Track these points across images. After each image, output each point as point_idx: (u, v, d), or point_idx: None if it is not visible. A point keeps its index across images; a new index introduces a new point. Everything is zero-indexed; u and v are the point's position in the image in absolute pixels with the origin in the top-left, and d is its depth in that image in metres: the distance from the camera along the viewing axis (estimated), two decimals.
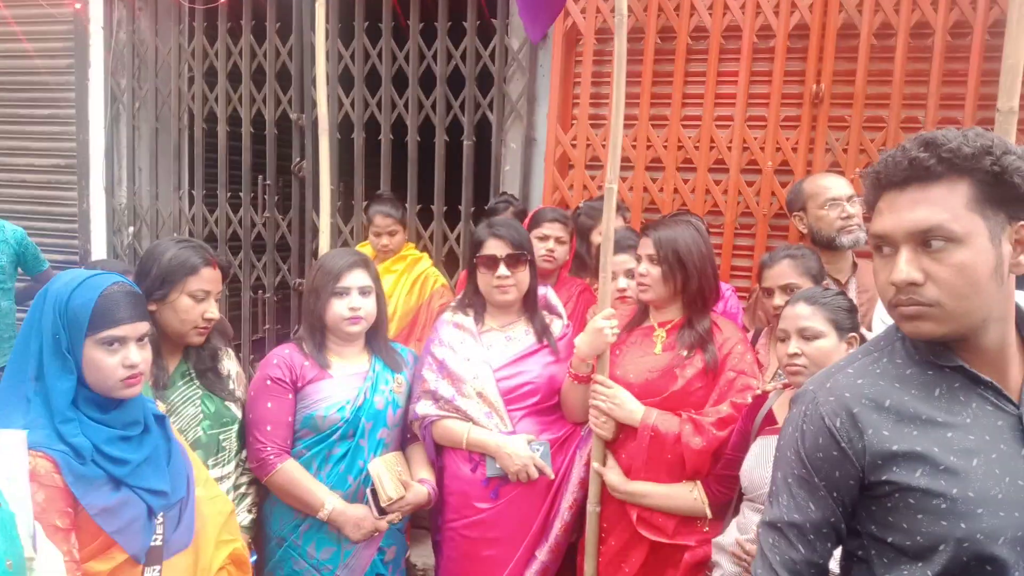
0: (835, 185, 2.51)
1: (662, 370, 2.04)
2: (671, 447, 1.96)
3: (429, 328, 3.10)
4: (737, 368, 2.01)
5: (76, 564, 1.35)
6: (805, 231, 2.56)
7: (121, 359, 1.44)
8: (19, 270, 3.67)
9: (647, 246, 2.06)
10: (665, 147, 3.21)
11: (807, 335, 1.78)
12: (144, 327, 1.49)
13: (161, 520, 1.48)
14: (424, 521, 2.36)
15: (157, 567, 1.45)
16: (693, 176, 3.19)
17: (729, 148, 3.12)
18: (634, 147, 3.23)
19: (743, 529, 1.79)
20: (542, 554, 2.13)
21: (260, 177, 3.98)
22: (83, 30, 4.11)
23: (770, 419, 1.86)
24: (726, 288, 2.63)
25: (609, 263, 2.08)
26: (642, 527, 2.00)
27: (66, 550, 1.33)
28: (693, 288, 2.04)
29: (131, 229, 4.21)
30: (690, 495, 1.97)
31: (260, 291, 4.07)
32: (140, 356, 1.46)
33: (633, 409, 2.01)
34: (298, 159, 3.89)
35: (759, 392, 1.96)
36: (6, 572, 1.08)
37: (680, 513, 1.98)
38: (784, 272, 2.16)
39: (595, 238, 2.78)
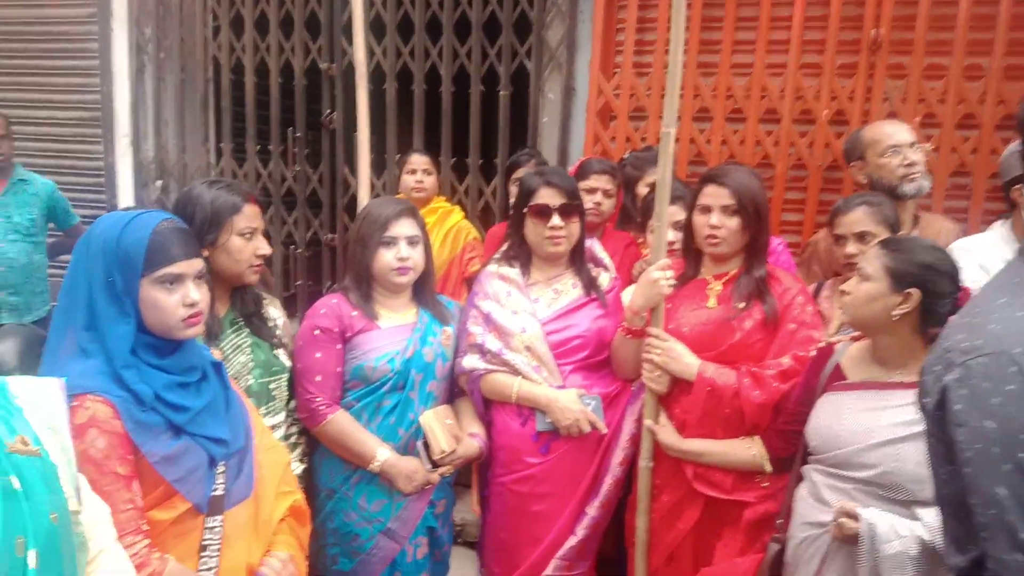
0: (897, 131, 2.42)
1: (717, 323, 1.97)
2: (729, 401, 1.90)
3: (460, 282, 3.06)
4: (798, 319, 1.93)
5: (139, 511, 1.31)
6: (864, 181, 2.46)
7: (180, 297, 1.38)
8: (50, 224, 3.64)
9: (721, 196, 1.94)
10: (714, 96, 3.08)
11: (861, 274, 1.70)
12: (200, 264, 1.43)
13: (222, 469, 1.44)
14: (462, 478, 2.33)
15: (219, 517, 1.41)
16: (742, 127, 3.08)
17: (782, 97, 2.99)
18: (680, 96, 3.09)
19: (815, 497, 1.72)
20: (592, 509, 2.09)
21: (289, 129, 3.89)
22: None
23: (837, 374, 1.78)
24: (777, 242, 2.54)
25: (665, 211, 1.99)
26: (698, 483, 1.96)
27: (128, 497, 1.29)
28: (762, 239, 1.96)
29: (159, 183, 4.14)
30: (748, 451, 1.91)
31: (291, 247, 4.02)
32: (199, 294, 1.41)
33: (689, 363, 1.94)
34: (328, 110, 3.79)
35: (823, 345, 1.89)
36: (51, 525, 1.04)
37: (738, 468, 1.92)
38: (859, 219, 2.08)
39: (641, 190, 2.69)
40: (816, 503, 1.72)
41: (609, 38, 3.26)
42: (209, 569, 1.39)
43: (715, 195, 1.96)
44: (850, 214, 2.13)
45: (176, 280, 1.38)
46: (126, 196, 4.23)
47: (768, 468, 1.90)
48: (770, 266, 2.03)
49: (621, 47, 3.23)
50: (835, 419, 1.70)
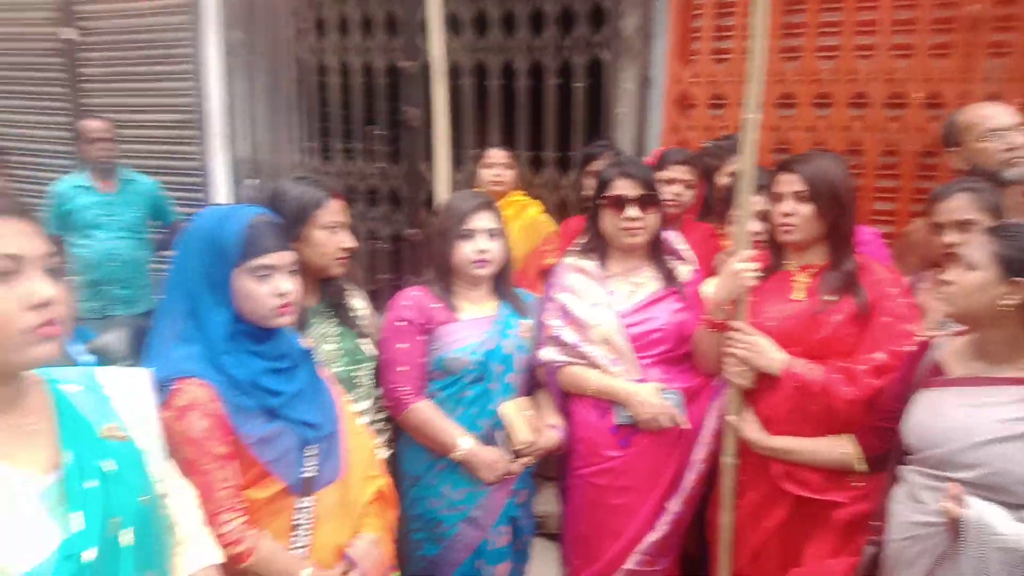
0: (997, 114, 2.28)
1: (805, 317, 1.90)
2: (817, 397, 1.84)
3: (537, 276, 3.07)
4: (893, 312, 1.85)
5: (236, 490, 1.39)
6: (964, 167, 2.33)
7: (272, 288, 1.44)
8: (154, 222, 3.87)
9: (792, 182, 1.90)
10: (798, 81, 2.98)
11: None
12: (291, 256, 1.50)
13: (313, 452, 1.50)
14: (544, 470, 2.34)
15: (310, 498, 1.48)
16: (830, 112, 2.96)
17: (871, 80, 2.86)
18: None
19: (913, 498, 1.64)
20: (674, 505, 2.06)
21: (372, 127, 3.99)
22: None
23: (937, 370, 1.69)
24: (869, 232, 2.44)
25: (747, 200, 1.94)
26: (786, 482, 1.90)
27: (226, 476, 1.37)
28: (844, 227, 1.89)
29: (251, 181, 4.33)
30: (839, 449, 1.84)
31: (375, 241, 4.13)
32: (290, 285, 1.47)
33: (775, 357, 1.89)
34: (408, 108, 3.87)
35: (922, 339, 1.81)
36: (142, 507, 1.10)
37: (828, 467, 1.86)
38: (961, 206, 1.97)
39: (721, 180, 2.63)
40: (914, 504, 1.64)
41: (686, 25, 3.19)
42: (301, 547, 1.45)
43: (787, 182, 1.92)
44: (950, 201, 2.01)
45: (268, 271, 1.45)
46: (221, 194, 4.44)
47: (861, 467, 1.83)
48: (862, 257, 1.96)
49: (698, 33, 3.16)
50: (934, 416, 1.62)
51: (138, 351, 1.68)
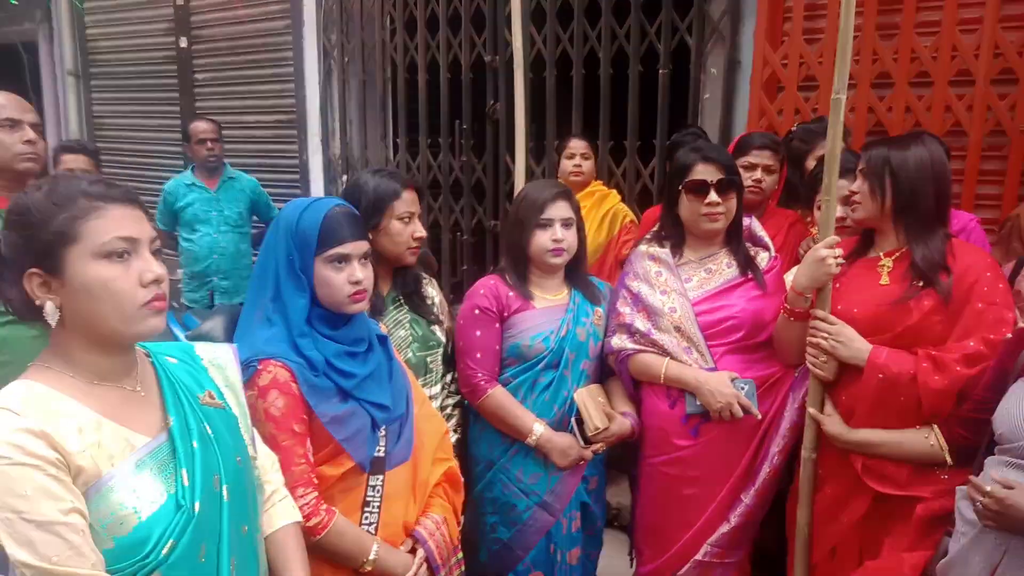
0: None
1: (892, 303, 1.81)
2: (904, 388, 1.75)
3: (615, 265, 3.06)
4: (987, 298, 1.73)
5: (311, 466, 1.47)
6: None
7: (347, 275, 1.52)
8: (254, 217, 4.11)
9: (860, 161, 1.89)
10: (895, 59, 2.82)
11: None
12: (365, 246, 1.57)
13: (384, 433, 1.57)
14: (616, 461, 2.34)
15: (380, 476, 1.55)
16: (929, 91, 2.79)
17: (976, 56, 2.68)
18: (857, 61, 2.88)
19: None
20: (748, 497, 2.01)
21: (457, 122, 4.08)
22: None
23: None
24: (968, 219, 2.29)
25: (834, 184, 1.87)
26: (869, 477, 1.82)
27: (302, 452, 1.46)
28: (920, 210, 1.80)
29: (344, 177, 4.52)
30: (926, 441, 1.74)
31: (458, 233, 4.22)
32: (363, 273, 1.54)
33: (860, 348, 1.81)
34: (492, 101, 3.93)
35: (1021, 325, 1.69)
36: (237, 466, 1.21)
37: (914, 461, 1.77)
38: None
39: (810, 164, 2.54)
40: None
41: (776, 5, 3.08)
42: (370, 524, 1.53)
43: (856, 163, 1.93)
44: None
45: (344, 260, 1.53)
46: (318, 190, 4.67)
47: (949, 460, 1.73)
48: (954, 240, 1.85)
49: (789, 14, 3.05)
50: None
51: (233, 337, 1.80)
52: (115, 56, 5.48)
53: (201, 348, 1.34)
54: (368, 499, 1.53)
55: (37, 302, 1.08)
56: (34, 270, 1.06)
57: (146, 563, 1.03)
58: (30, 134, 2.08)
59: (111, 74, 5.54)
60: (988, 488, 1.45)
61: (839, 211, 2.14)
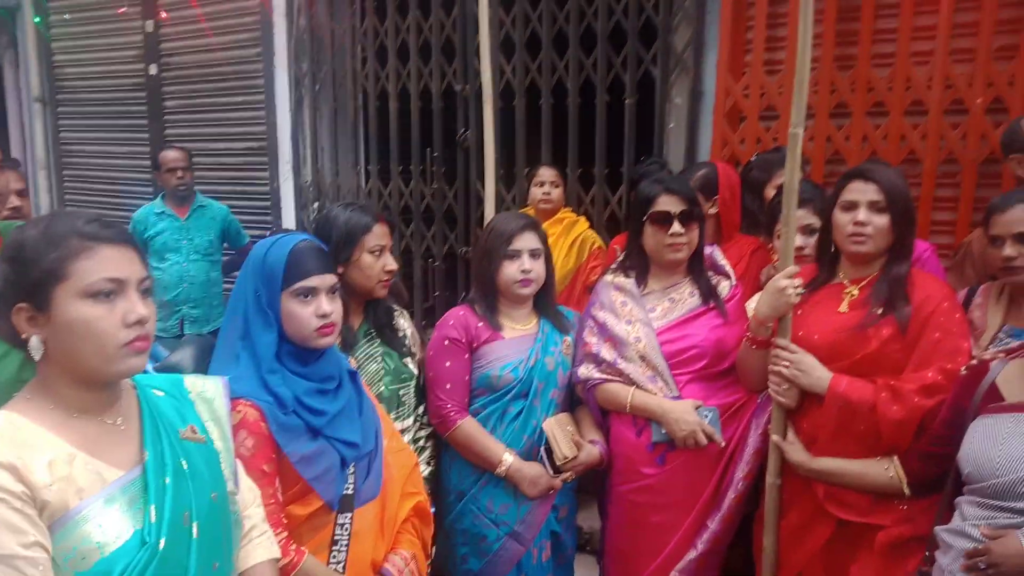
0: None
1: (851, 330, 1.85)
2: (864, 417, 1.79)
3: (584, 292, 3.10)
4: (944, 328, 1.78)
5: (280, 506, 1.47)
6: None
7: (314, 309, 1.53)
8: (225, 244, 4.09)
9: (868, 192, 1.84)
10: (852, 90, 2.92)
11: None
12: (332, 279, 1.58)
13: (353, 470, 1.57)
14: (589, 485, 2.36)
15: (349, 514, 1.55)
16: (885, 120, 2.88)
17: (929, 87, 2.77)
18: (815, 92, 2.97)
19: (967, 535, 1.56)
20: (714, 523, 2.04)
21: (428, 149, 4.12)
22: (268, 19, 4.43)
23: (993, 394, 1.62)
24: (923, 248, 2.36)
25: (793, 215, 1.92)
26: (831, 505, 1.85)
27: (271, 492, 1.45)
28: (909, 240, 1.85)
29: (315, 205, 4.52)
30: (885, 473, 1.78)
31: (430, 260, 4.24)
32: (331, 307, 1.55)
33: (821, 376, 1.85)
34: (463, 130, 3.97)
35: (975, 361, 1.74)
36: (212, 503, 1.20)
37: (874, 491, 1.81)
38: (1020, 218, 1.86)
39: (769, 193, 2.60)
40: (968, 539, 1.57)
41: (738, 37, 3.17)
42: (338, 563, 1.52)
43: (862, 191, 1.86)
44: (1009, 212, 1.89)
45: (311, 293, 1.54)
46: (289, 217, 4.66)
47: (907, 492, 1.77)
48: (913, 270, 1.90)
49: (750, 46, 3.14)
50: (991, 444, 1.54)
51: (204, 368, 1.80)
52: (83, 83, 5.43)
53: (190, 381, 1.35)
54: (336, 537, 1.53)
55: (23, 336, 1.09)
56: (22, 305, 1.08)
57: None
58: None
59: (79, 100, 5.49)
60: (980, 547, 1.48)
61: (798, 240, 2.20)
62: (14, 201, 2.60)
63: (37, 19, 5.38)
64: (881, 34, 2.89)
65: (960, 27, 2.75)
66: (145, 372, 2.03)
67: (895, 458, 1.79)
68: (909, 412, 1.74)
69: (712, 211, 2.61)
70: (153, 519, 1.10)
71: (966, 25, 2.73)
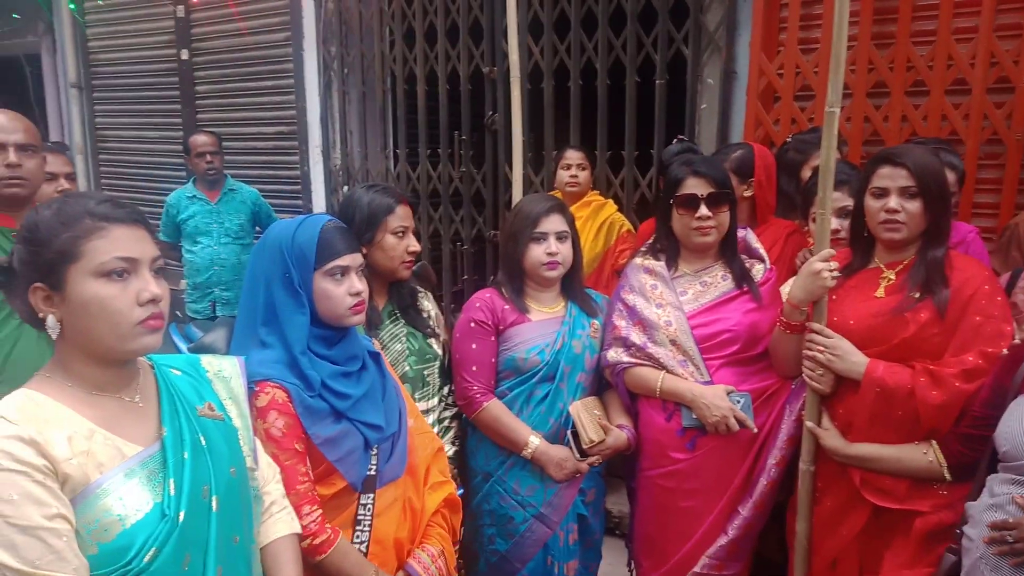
0: None
1: (888, 315, 1.81)
2: (902, 402, 1.75)
3: (612, 275, 3.07)
4: (985, 311, 1.73)
5: (313, 484, 1.48)
6: None
7: (347, 287, 1.54)
8: (256, 228, 4.13)
9: (898, 177, 1.79)
10: (891, 68, 2.83)
11: None
12: (360, 258, 1.59)
13: (375, 452, 1.58)
14: (618, 469, 2.34)
15: (371, 495, 1.56)
16: (925, 100, 2.79)
17: (972, 65, 2.68)
18: (852, 71, 2.88)
19: (1002, 509, 1.53)
20: (745, 510, 2.01)
21: (456, 133, 4.10)
22: (297, 3, 4.44)
23: None
24: (967, 230, 2.30)
25: (829, 197, 1.87)
26: (867, 491, 1.82)
27: (304, 471, 1.47)
28: (944, 223, 1.80)
29: (345, 188, 4.54)
30: (924, 457, 1.74)
31: (458, 243, 4.23)
32: (361, 284, 1.57)
33: (856, 361, 1.81)
34: (490, 112, 3.95)
35: (1018, 341, 1.68)
36: (230, 477, 1.22)
37: (912, 476, 1.77)
38: None
39: (806, 174, 2.54)
40: (1001, 514, 1.54)
41: (772, 15, 3.09)
42: (361, 542, 1.54)
43: (892, 176, 1.80)
44: None
45: (343, 272, 1.54)
46: (319, 201, 4.69)
47: (947, 476, 1.73)
48: (952, 252, 1.85)
49: (785, 24, 3.06)
50: None
51: None
52: (117, 68, 5.51)
53: (207, 360, 1.37)
54: (359, 517, 1.54)
55: (40, 315, 1.12)
56: (38, 285, 1.11)
57: (128, 569, 1.05)
58: (12, 158, 2.01)
59: (113, 86, 5.57)
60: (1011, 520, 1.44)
61: (834, 223, 2.15)
62: (64, 184, 2.65)
63: (72, 6, 5.46)
64: (921, 10, 2.79)
65: (1005, 1, 2.64)
66: (179, 352, 2.06)
67: (933, 442, 1.75)
68: (950, 397, 1.70)
69: (747, 193, 2.55)
70: (172, 492, 1.12)
71: None
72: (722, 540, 2.01)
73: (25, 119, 2.12)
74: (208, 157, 3.91)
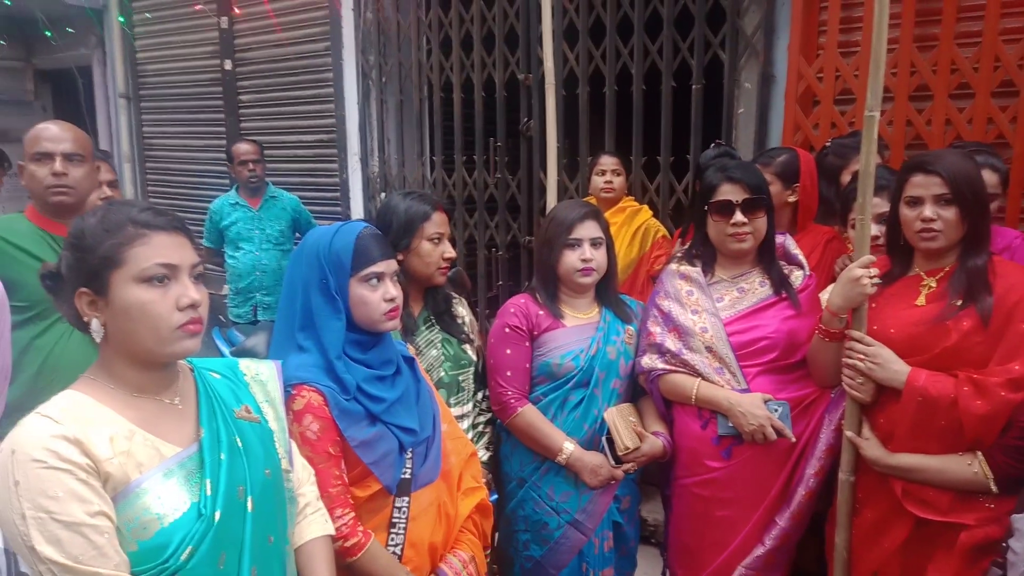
0: None
1: (930, 323, 1.77)
2: (945, 412, 1.70)
3: (647, 281, 3.05)
4: None
5: (346, 487, 1.51)
6: None
7: (382, 293, 1.57)
8: (296, 234, 4.21)
9: (932, 185, 1.75)
10: (934, 71, 2.77)
11: None
12: (395, 265, 1.62)
13: (410, 455, 1.59)
14: (653, 477, 2.33)
15: (406, 498, 1.57)
16: (970, 103, 2.73)
17: (1020, 66, 2.61)
18: (894, 74, 2.83)
19: None
20: (783, 520, 1.98)
21: (491, 139, 4.13)
22: (336, 13, 4.52)
23: None
24: (1014, 236, 2.23)
25: (869, 202, 1.84)
26: (909, 502, 1.77)
27: (338, 474, 1.50)
28: (983, 229, 1.75)
29: (382, 195, 4.60)
30: (969, 469, 1.69)
31: (493, 249, 4.26)
32: (396, 291, 1.59)
33: (898, 370, 1.76)
34: (526, 119, 3.97)
35: None
36: (265, 479, 1.25)
37: (957, 488, 1.72)
38: None
39: (845, 179, 2.51)
40: None
41: (811, 18, 3.05)
42: (396, 545, 1.55)
43: (925, 185, 1.76)
44: None
45: (379, 278, 1.57)
46: (357, 207, 4.76)
47: (993, 489, 1.69)
48: (996, 259, 1.80)
49: (824, 27, 3.02)
50: None
51: None
52: (164, 79, 5.68)
53: (245, 364, 1.41)
54: (394, 520, 1.56)
55: (84, 319, 1.16)
56: (84, 290, 1.15)
57: (166, 567, 1.09)
58: (57, 167, 2.07)
59: (160, 96, 5.75)
60: None
61: (873, 229, 2.11)
62: (106, 191, 2.73)
63: (121, 19, 5.64)
64: (966, 11, 2.73)
65: None
66: (222, 356, 2.11)
67: (979, 453, 1.70)
68: (995, 407, 1.65)
69: (792, 199, 2.52)
70: (209, 492, 1.15)
71: None
72: (759, 551, 1.98)
73: (76, 129, 2.20)
74: (250, 165, 4.00)
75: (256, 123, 5.13)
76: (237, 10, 4.96)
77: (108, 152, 5.44)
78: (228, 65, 5.19)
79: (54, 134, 2.12)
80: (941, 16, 2.75)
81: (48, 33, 5.81)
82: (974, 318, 1.72)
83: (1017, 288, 1.72)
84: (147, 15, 5.58)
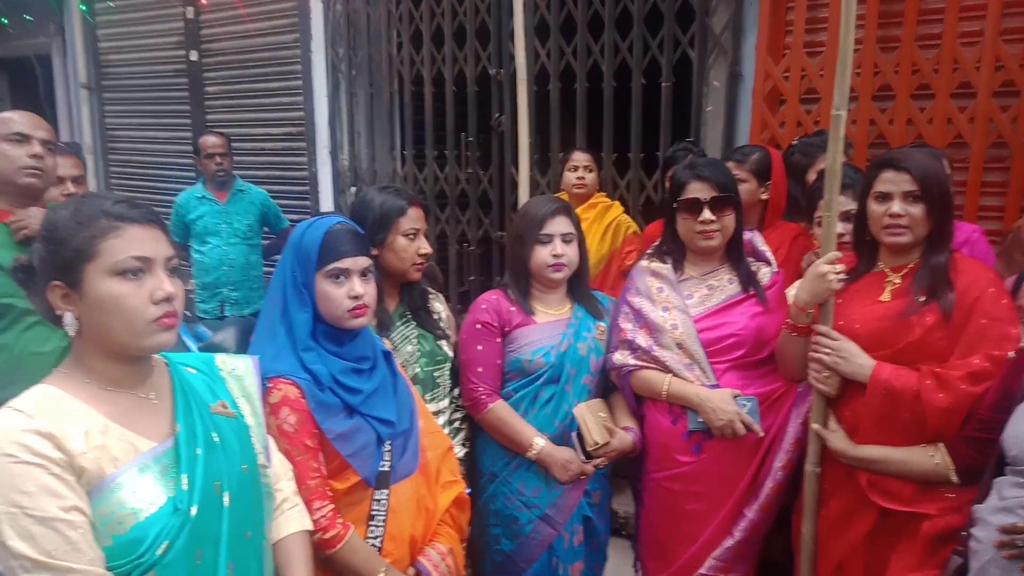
0: None
1: (894, 319, 1.81)
2: (908, 405, 1.75)
3: (619, 277, 3.08)
4: (991, 314, 1.73)
5: (325, 479, 1.51)
6: None
7: (347, 290, 1.55)
8: (265, 228, 4.15)
9: (901, 181, 1.79)
10: (896, 72, 2.84)
11: None
12: (365, 262, 1.60)
13: (388, 448, 1.60)
14: (624, 470, 2.35)
15: (385, 490, 1.58)
16: (931, 103, 2.80)
17: (978, 68, 2.69)
18: (858, 75, 2.90)
19: (1010, 511, 1.54)
20: (751, 512, 2.02)
21: (463, 134, 4.12)
22: (305, 5, 4.47)
23: None
24: (973, 231, 2.30)
25: (835, 199, 1.88)
26: (873, 493, 1.82)
27: (316, 466, 1.49)
28: (947, 226, 1.80)
29: (353, 189, 4.56)
30: (931, 460, 1.74)
31: (465, 245, 4.25)
32: (363, 288, 1.57)
33: (863, 364, 1.81)
34: (497, 114, 3.97)
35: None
36: (242, 474, 1.24)
37: (919, 479, 1.77)
38: None
39: (811, 178, 2.55)
40: (1008, 516, 1.54)
41: (778, 18, 3.11)
42: (376, 538, 1.56)
43: (895, 181, 1.80)
44: None
45: (344, 274, 1.56)
46: (327, 202, 4.72)
47: (954, 479, 1.74)
48: (957, 255, 1.85)
49: (791, 27, 3.07)
50: None
51: (244, 348, 1.85)
52: (127, 69, 5.55)
53: (221, 359, 1.40)
54: (373, 512, 1.56)
55: (58, 312, 1.15)
56: (57, 283, 1.14)
57: (141, 562, 1.08)
58: (37, 149, 2.08)
59: (123, 87, 5.62)
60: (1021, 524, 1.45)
61: (839, 227, 2.16)
62: (70, 188, 2.67)
63: (83, 7, 5.50)
64: (927, 14, 2.80)
65: (1011, 5, 2.65)
66: (189, 351, 2.10)
67: (941, 445, 1.75)
68: (956, 399, 1.70)
69: (764, 196, 2.57)
70: (185, 487, 1.14)
71: (1017, 3, 2.64)
72: (728, 542, 2.02)
73: (43, 120, 2.16)
74: (217, 158, 3.93)
75: (223, 115, 5.05)
76: (204, 0, 4.87)
77: (78, 144, 5.31)
78: (194, 56, 5.09)
79: (30, 120, 2.12)
80: (903, 19, 2.81)
81: (4, 20, 5.64)
82: (936, 314, 1.77)
83: (977, 284, 1.77)
84: (110, 3, 5.45)
